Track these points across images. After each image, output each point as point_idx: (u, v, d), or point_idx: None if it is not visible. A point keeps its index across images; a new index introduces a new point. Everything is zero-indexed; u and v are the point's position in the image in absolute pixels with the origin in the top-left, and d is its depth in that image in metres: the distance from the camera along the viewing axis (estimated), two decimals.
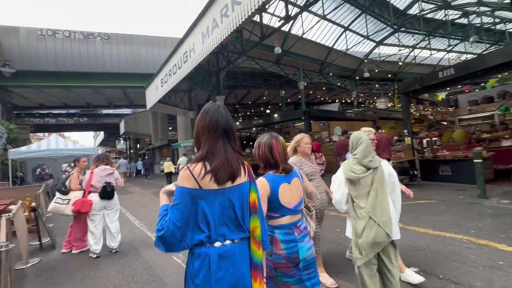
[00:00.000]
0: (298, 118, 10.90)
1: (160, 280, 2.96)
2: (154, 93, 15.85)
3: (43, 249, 4.33)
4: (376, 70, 22.18)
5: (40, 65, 16.73)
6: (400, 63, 21.55)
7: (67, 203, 3.81)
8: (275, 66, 18.01)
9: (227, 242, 1.06)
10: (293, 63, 18.96)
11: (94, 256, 3.78)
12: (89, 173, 3.86)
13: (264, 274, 1.14)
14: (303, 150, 2.41)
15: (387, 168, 1.93)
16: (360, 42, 19.78)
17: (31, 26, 16.61)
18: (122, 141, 48.62)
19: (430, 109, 8.11)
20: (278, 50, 13.56)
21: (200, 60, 9.79)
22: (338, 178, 2.04)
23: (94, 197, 3.81)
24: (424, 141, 7.75)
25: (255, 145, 1.72)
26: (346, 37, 19.03)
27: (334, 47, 19.62)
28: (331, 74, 21.74)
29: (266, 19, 12.66)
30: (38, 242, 4.38)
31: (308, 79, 20.21)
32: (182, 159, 14.40)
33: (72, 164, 13.58)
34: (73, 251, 4.05)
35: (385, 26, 18.42)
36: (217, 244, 1.04)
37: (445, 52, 25.15)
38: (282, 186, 1.57)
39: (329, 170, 6.28)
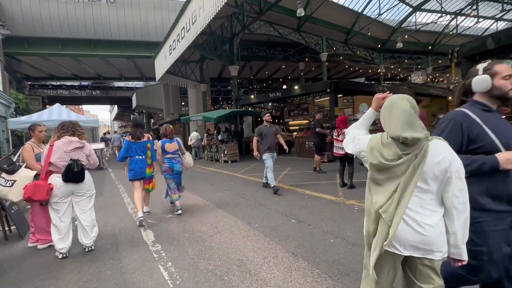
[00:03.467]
0: (323, 91, 9.40)
1: None
2: (163, 62, 14.61)
3: (8, 239, 3.49)
4: (414, 38, 19.39)
5: (44, 31, 15.76)
6: (450, 32, 18.74)
7: (11, 185, 2.83)
8: (295, 34, 16.11)
9: (140, 157, 4.03)
10: (316, 31, 16.90)
11: (60, 256, 2.86)
12: (48, 147, 2.82)
13: (154, 168, 4.23)
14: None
15: (440, 153, 1.19)
16: (394, 6, 17.21)
17: None
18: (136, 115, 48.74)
19: None
20: (301, 12, 11.69)
21: (210, 18, 8.34)
22: (362, 141, 1.41)
23: (56, 180, 2.80)
24: None
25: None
26: (379, 1, 16.54)
27: (364, 12, 17.23)
28: (363, 41, 19.32)
29: None
30: (1, 230, 3.52)
31: (331, 50, 18.14)
32: (193, 135, 13.64)
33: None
34: (39, 246, 3.16)
35: None
36: (137, 156, 4.02)
37: (493, 21, 21.84)
38: (166, 144, 4.27)
39: None
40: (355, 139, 1.45)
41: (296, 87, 10.31)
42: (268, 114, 5.57)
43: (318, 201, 4.57)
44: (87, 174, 3.02)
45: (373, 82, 25.53)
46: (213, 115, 10.43)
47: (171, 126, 4.48)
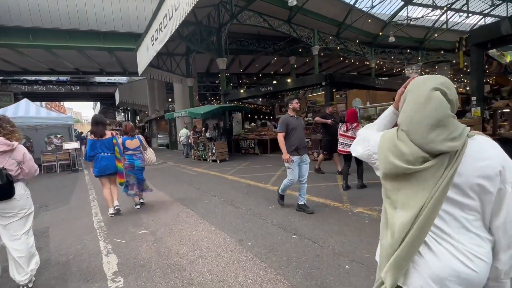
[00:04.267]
0: (317, 84, 8.78)
1: None
2: (145, 55, 13.59)
3: None
4: (405, 33, 19.29)
5: (12, 19, 14.35)
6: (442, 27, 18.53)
7: None
8: (286, 26, 15.42)
9: (105, 154, 4.07)
10: (307, 23, 16.29)
11: None
12: None
13: (123, 162, 4.30)
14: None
15: (486, 156, 0.81)
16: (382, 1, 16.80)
17: None
18: (122, 113, 46.76)
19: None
20: (292, 1, 10.96)
21: (193, 3, 7.51)
22: (373, 141, 1.01)
23: None
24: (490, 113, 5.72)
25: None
26: None
27: (356, 5, 16.75)
28: (355, 35, 18.93)
29: None
30: None
31: (323, 43, 17.60)
32: (183, 131, 12.95)
33: (57, 136, 11.70)
34: None
35: None
36: (102, 154, 4.05)
37: (481, 17, 21.96)
38: (127, 141, 4.41)
39: None
40: (365, 139, 1.09)
41: (288, 80, 9.64)
42: (296, 101, 3.92)
43: (320, 209, 3.92)
44: (19, 187, 2.23)
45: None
46: (200, 110, 9.60)
47: (131, 123, 4.70)
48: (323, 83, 8.42)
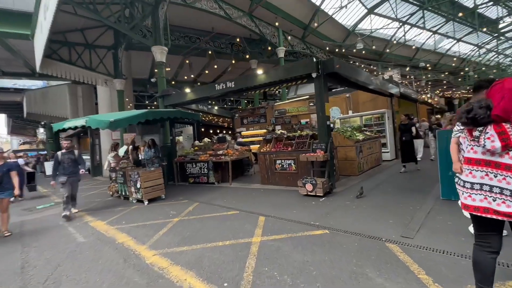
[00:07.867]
0: (304, 78, 5.75)
1: None
2: (40, 38, 9.10)
3: None
4: (367, 44, 18.65)
5: None
6: (395, 42, 18.32)
7: None
8: (247, 19, 12.60)
9: None
10: (271, 20, 13.76)
11: None
12: None
13: None
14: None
15: None
16: (351, 1, 15.53)
17: None
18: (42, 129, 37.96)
19: None
20: None
21: None
22: None
23: None
24: None
25: None
26: None
27: (322, 7, 15.04)
28: (320, 42, 17.25)
29: None
30: None
31: (289, 46, 15.30)
32: (122, 150, 8.33)
33: None
34: None
35: None
36: None
37: (431, 33, 22.79)
38: None
39: None
40: None
41: (259, 72, 6.45)
42: None
43: None
44: None
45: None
46: (107, 118, 5.52)
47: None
48: (313, 75, 5.41)
